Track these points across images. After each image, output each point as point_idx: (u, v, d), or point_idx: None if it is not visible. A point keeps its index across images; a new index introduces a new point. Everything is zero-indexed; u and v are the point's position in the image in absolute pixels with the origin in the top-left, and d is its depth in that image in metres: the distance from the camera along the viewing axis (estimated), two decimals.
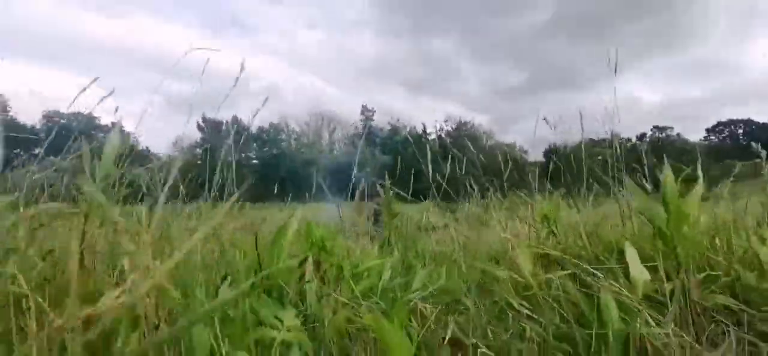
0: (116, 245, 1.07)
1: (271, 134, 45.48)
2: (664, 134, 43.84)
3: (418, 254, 2.03)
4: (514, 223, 1.98)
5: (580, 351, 0.89)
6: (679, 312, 1.02)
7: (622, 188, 1.45)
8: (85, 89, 1.35)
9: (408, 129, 46.12)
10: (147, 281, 0.69)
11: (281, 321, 0.82)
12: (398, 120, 47.85)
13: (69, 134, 1.35)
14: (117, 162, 0.92)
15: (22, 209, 0.82)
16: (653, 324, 0.87)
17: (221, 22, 78.64)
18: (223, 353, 0.68)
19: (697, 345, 0.84)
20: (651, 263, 1.04)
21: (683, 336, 0.84)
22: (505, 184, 2.40)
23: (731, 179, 1.87)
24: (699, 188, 1.06)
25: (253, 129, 44.02)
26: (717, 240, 1.18)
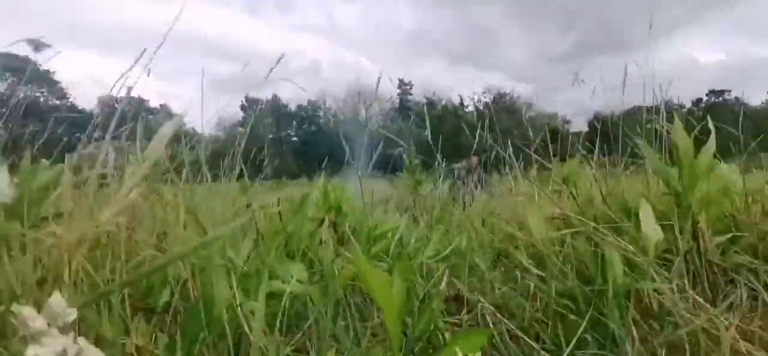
0: (157, 214, 1.22)
1: (308, 111, 46.47)
2: (720, 99, 39.43)
3: (440, 221, 2.06)
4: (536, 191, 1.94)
5: (582, 307, 0.90)
6: (695, 271, 0.99)
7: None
8: (125, 74, 1.49)
9: (443, 102, 45.06)
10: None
11: (292, 276, 0.90)
12: (434, 93, 46.80)
13: (122, 117, 1.50)
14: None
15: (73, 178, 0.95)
16: (659, 281, 0.86)
17: (262, 2, 79.75)
18: (237, 303, 0.77)
19: (705, 303, 0.82)
20: (667, 222, 1.00)
21: (688, 292, 0.82)
22: (533, 155, 2.33)
23: None
24: (711, 144, 0.99)
25: (292, 108, 45.26)
26: (749, 200, 1.10)
